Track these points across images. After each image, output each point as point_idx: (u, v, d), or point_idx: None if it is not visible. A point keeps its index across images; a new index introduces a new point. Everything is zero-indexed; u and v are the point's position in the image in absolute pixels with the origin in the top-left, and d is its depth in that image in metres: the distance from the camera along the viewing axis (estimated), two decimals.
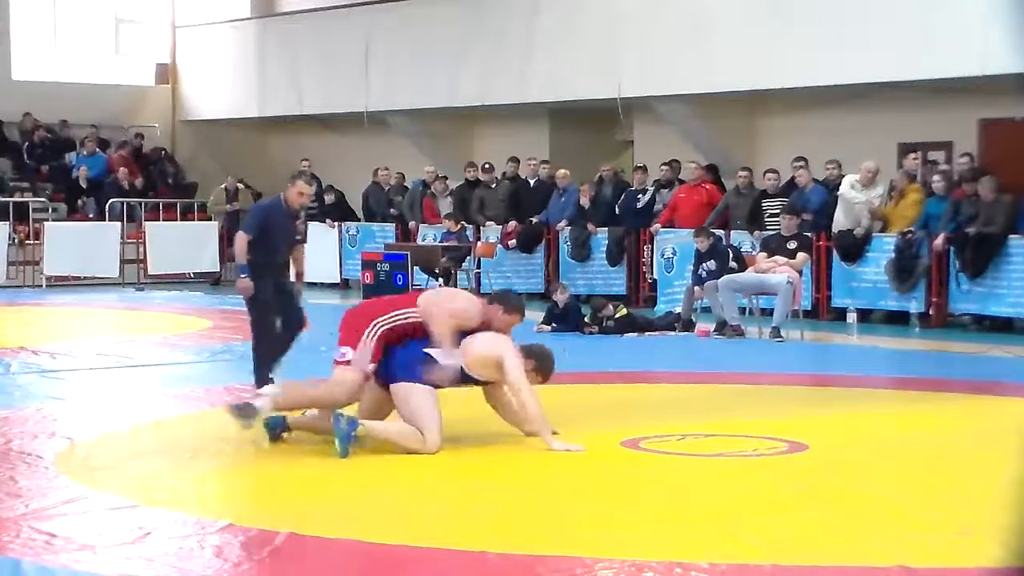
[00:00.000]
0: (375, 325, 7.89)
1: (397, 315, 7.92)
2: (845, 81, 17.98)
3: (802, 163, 17.42)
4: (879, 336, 14.97)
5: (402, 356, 7.82)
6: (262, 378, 9.80)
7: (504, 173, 21.01)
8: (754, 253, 15.72)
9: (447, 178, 21.77)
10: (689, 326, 15.35)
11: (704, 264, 15.59)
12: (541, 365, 8.04)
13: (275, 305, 10.30)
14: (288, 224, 10.64)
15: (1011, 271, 15.30)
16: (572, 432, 8.24)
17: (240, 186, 24.02)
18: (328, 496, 6.84)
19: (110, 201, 23.89)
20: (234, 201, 23.80)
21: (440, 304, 7.96)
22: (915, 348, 14.42)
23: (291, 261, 10.68)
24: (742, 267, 15.36)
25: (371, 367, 7.83)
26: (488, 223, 20.55)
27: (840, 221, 16.71)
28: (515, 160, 20.96)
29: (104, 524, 6.18)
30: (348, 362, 7.87)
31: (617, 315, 15.09)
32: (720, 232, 17.05)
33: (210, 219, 24.29)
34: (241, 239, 10.38)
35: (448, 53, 22.31)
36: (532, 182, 20.76)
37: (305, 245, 11.31)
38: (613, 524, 6.22)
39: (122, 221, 23.44)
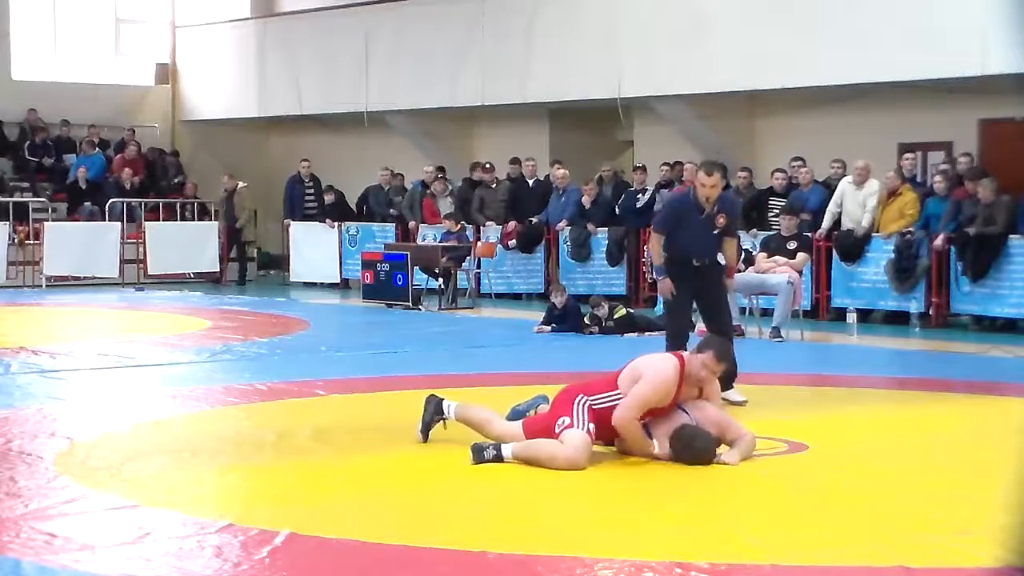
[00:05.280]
0: (581, 398, 7.58)
1: (602, 397, 7.58)
2: (845, 81, 17.99)
3: (799, 163, 17.44)
4: (879, 336, 14.98)
5: None
6: None
7: (508, 174, 20.99)
8: (754, 253, 15.73)
9: (446, 178, 21.76)
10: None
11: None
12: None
13: (689, 306, 9.94)
14: (698, 219, 9.69)
15: (1012, 272, 15.30)
16: None
17: (240, 184, 24.01)
18: (328, 496, 6.84)
19: (110, 201, 23.90)
20: (231, 200, 23.85)
21: (635, 394, 7.53)
22: (915, 348, 14.42)
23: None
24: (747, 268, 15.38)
25: (591, 427, 7.48)
26: (488, 223, 20.56)
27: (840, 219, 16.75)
28: (517, 161, 20.97)
29: (104, 524, 6.18)
30: (570, 425, 7.47)
31: (617, 315, 15.08)
32: None
33: (210, 219, 24.32)
34: (654, 239, 9.91)
35: (448, 53, 22.32)
36: (531, 182, 20.77)
37: (736, 240, 10.38)
38: (613, 524, 6.22)
39: (122, 221, 23.45)
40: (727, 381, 9.18)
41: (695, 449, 7.50)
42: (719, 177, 9.64)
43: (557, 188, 20.03)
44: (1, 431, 8.42)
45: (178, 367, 12.20)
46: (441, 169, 22.14)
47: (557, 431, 7.48)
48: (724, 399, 8.79)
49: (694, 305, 10.17)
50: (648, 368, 7.62)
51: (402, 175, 22.77)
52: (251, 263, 24.64)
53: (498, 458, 7.41)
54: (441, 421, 8.06)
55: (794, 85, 18.50)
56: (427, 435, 8.04)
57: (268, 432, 8.57)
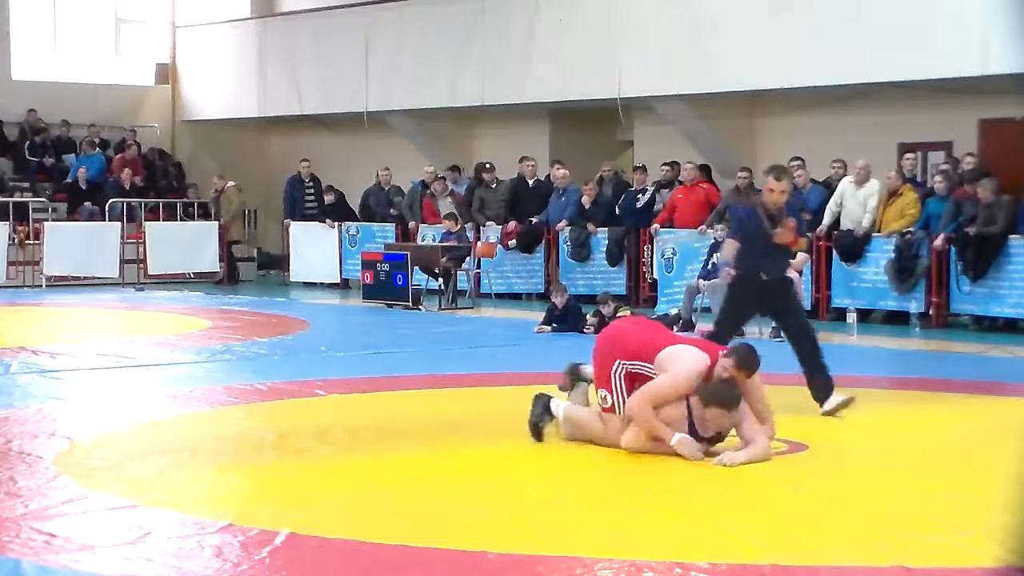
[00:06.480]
0: (619, 365, 7.95)
1: (639, 365, 7.91)
2: (845, 81, 17.98)
3: (799, 163, 17.43)
4: (879, 336, 14.97)
5: None
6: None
7: (519, 173, 20.93)
8: None
9: (445, 179, 21.76)
10: (689, 326, 15.36)
11: (715, 256, 15.61)
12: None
13: (745, 320, 9.90)
14: (767, 234, 9.41)
15: (1012, 272, 15.30)
16: None
17: (230, 184, 24.02)
18: (328, 496, 6.84)
19: (110, 201, 23.91)
20: (219, 199, 23.91)
21: (656, 385, 7.77)
22: (915, 348, 14.41)
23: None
24: None
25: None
26: (488, 223, 20.55)
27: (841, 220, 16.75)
28: (525, 159, 20.90)
29: (104, 524, 6.18)
30: (612, 408, 7.94)
31: (618, 314, 15.06)
32: None
33: (210, 219, 24.35)
34: (729, 245, 9.76)
35: (448, 53, 22.31)
36: (531, 182, 20.75)
37: (803, 240, 10.16)
38: (613, 524, 6.22)
39: (122, 221, 23.45)
40: None
41: (724, 395, 7.58)
42: (788, 183, 9.58)
43: (557, 188, 20.03)
44: (1, 431, 8.42)
45: (178, 367, 12.19)
46: (456, 168, 22.04)
47: (600, 404, 8.01)
48: None
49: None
50: (677, 363, 7.76)
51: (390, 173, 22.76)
52: (242, 263, 24.62)
53: (550, 417, 8.06)
54: (551, 420, 8.21)
55: (794, 85, 18.48)
56: (540, 436, 8.15)
57: (268, 432, 8.58)
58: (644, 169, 19.69)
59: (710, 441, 7.68)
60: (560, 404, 8.17)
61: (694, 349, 8.00)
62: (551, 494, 6.90)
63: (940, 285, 15.96)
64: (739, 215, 10.02)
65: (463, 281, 19.80)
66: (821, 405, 9.43)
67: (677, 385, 7.68)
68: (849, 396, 9.41)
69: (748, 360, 7.87)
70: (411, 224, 21.46)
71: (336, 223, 22.57)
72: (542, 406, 8.20)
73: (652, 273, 18.82)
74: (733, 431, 7.72)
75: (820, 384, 9.48)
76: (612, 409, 7.93)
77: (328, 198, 23.07)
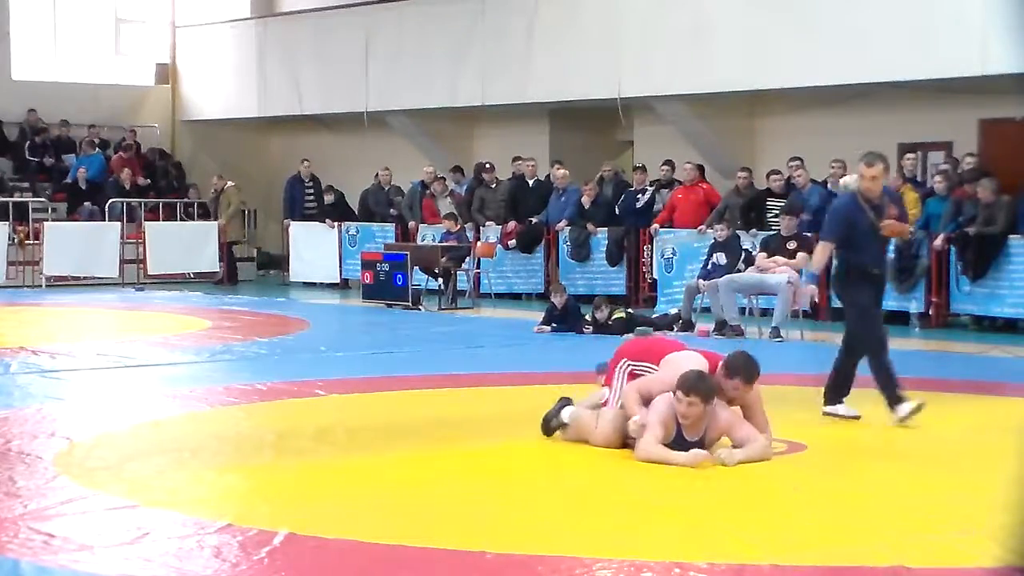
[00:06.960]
0: (624, 363, 8.14)
1: (643, 366, 8.06)
2: (845, 81, 17.98)
3: (797, 163, 17.42)
4: None
5: None
6: (892, 394, 9.05)
7: (514, 173, 20.94)
8: (754, 253, 15.74)
9: (445, 179, 21.77)
10: (689, 326, 15.36)
11: (715, 256, 15.59)
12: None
13: (875, 310, 9.34)
14: (868, 223, 9.11)
15: (1012, 272, 15.30)
16: None
17: (230, 184, 24.03)
18: (328, 496, 6.84)
19: (110, 201, 23.91)
20: (219, 199, 23.92)
21: (650, 380, 7.93)
22: (915, 348, 14.40)
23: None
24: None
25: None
26: (488, 223, 20.55)
27: None
28: (519, 159, 20.93)
29: (103, 524, 6.18)
30: (607, 402, 8.11)
31: (615, 316, 15.05)
32: None
33: (210, 219, 24.36)
34: (822, 249, 9.37)
35: (448, 53, 22.31)
36: (531, 182, 20.75)
37: (908, 227, 9.96)
38: (613, 524, 6.22)
39: (122, 221, 23.45)
40: None
41: (693, 382, 7.55)
42: (881, 168, 9.18)
43: (557, 188, 20.03)
44: (1, 431, 8.41)
45: (178, 367, 12.20)
46: (459, 169, 22.04)
47: (601, 402, 8.16)
48: None
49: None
50: (675, 366, 7.79)
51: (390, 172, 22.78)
52: (241, 263, 24.62)
53: (561, 424, 8.14)
54: (561, 425, 8.25)
55: (794, 85, 18.48)
56: (549, 431, 8.26)
57: (268, 432, 8.58)
58: (644, 169, 19.69)
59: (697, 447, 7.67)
60: (571, 410, 8.18)
61: (697, 355, 8.04)
62: (551, 494, 6.90)
63: (940, 285, 15.96)
64: (841, 209, 9.40)
65: (463, 281, 19.81)
66: (827, 404, 9.36)
67: (667, 382, 7.71)
68: (857, 414, 9.34)
69: (750, 370, 7.85)
70: (411, 224, 21.46)
71: (336, 223, 22.57)
72: (559, 407, 8.25)
73: (652, 273, 18.81)
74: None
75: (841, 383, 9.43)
76: (607, 403, 8.05)
77: (328, 198, 23.08)
